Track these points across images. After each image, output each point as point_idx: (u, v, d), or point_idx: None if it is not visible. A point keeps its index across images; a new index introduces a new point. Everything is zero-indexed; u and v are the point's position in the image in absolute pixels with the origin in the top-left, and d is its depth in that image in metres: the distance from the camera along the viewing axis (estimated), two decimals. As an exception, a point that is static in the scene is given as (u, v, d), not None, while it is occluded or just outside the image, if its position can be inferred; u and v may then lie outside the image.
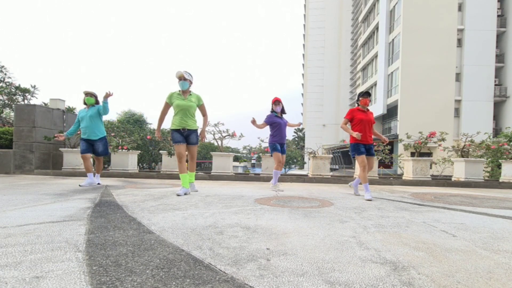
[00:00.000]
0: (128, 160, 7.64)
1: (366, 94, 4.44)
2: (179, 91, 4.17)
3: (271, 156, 5.48)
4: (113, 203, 3.15)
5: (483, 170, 8.12)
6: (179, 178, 7.28)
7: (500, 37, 26.52)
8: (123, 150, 7.52)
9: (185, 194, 4.08)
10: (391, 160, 9.26)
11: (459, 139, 8.51)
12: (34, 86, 12.13)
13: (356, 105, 4.58)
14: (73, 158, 7.63)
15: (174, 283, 1.20)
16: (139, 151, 8.38)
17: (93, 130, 5.10)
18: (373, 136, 4.49)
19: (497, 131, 23.79)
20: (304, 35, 55.34)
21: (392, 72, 26.25)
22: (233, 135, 7.84)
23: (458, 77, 25.36)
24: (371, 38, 32.51)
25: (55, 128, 8.15)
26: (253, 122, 5.09)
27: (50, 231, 1.95)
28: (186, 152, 4.26)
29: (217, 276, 1.28)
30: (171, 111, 4.25)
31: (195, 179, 7.32)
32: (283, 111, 5.37)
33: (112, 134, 8.26)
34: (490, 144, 8.39)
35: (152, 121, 25.25)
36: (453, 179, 7.91)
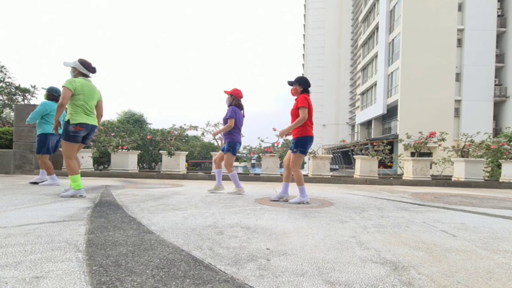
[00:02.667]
0: (128, 160, 7.63)
1: (288, 83, 3.70)
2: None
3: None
4: (113, 203, 3.15)
5: (483, 170, 8.12)
6: (179, 178, 7.28)
7: (500, 37, 26.52)
8: (123, 150, 7.52)
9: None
10: (391, 160, 9.25)
11: (459, 139, 8.51)
12: (34, 86, 12.14)
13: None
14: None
15: (174, 283, 1.20)
16: (139, 151, 8.37)
17: None
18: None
19: (497, 131, 23.77)
20: (304, 35, 55.33)
21: (392, 72, 26.25)
22: (233, 135, 7.83)
23: (458, 77, 25.36)
24: (371, 38, 32.52)
25: (55, 128, 8.14)
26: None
27: (50, 231, 1.95)
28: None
29: (217, 276, 1.28)
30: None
31: (196, 178, 7.37)
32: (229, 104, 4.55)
33: (112, 134, 8.26)
34: (490, 144, 8.38)
35: (152, 121, 25.27)
36: (453, 179, 7.91)
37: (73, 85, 3.47)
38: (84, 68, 3.67)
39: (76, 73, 3.66)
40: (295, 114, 3.55)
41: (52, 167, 5.05)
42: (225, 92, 4.56)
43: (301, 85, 3.61)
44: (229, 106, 4.52)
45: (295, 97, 3.67)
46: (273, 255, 1.58)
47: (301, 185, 3.52)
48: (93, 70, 3.75)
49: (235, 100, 4.52)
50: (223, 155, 4.44)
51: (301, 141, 3.50)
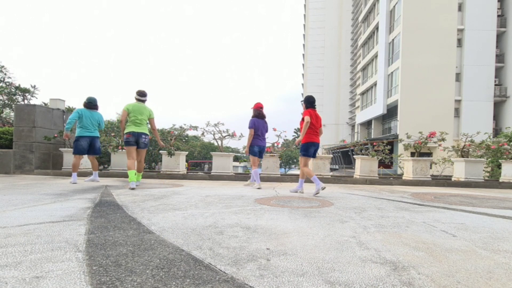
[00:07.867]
0: (128, 160, 7.62)
1: (301, 102, 5.16)
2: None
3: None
4: (113, 203, 3.15)
5: (483, 170, 8.12)
6: (179, 178, 7.29)
7: (500, 37, 26.51)
8: (123, 150, 7.52)
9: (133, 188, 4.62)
10: (391, 160, 9.24)
11: (459, 139, 8.51)
12: (34, 86, 12.14)
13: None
14: (73, 158, 7.61)
15: (174, 283, 1.20)
16: (139, 151, 8.35)
17: None
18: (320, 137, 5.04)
19: (497, 131, 23.77)
20: (304, 35, 55.32)
21: (392, 72, 26.25)
22: (233, 135, 7.83)
23: (458, 77, 25.35)
24: (371, 38, 32.51)
25: (55, 128, 8.14)
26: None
27: (50, 231, 1.95)
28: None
29: (217, 276, 1.28)
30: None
31: (196, 178, 7.38)
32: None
33: (112, 134, 8.26)
34: (490, 144, 8.38)
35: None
36: (453, 179, 7.91)
37: (126, 107, 4.83)
38: (137, 95, 5.02)
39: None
40: (301, 124, 4.73)
41: (97, 165, 5.95)
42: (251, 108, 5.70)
43: (304, 103, 4.86)
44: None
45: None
46: (273, 255, 1.58)
47: (311, 176, 4.52)
48: (141, 95, 5.03)
49: (254, 111, 5.58)
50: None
51: (303, 146, 4.81)
